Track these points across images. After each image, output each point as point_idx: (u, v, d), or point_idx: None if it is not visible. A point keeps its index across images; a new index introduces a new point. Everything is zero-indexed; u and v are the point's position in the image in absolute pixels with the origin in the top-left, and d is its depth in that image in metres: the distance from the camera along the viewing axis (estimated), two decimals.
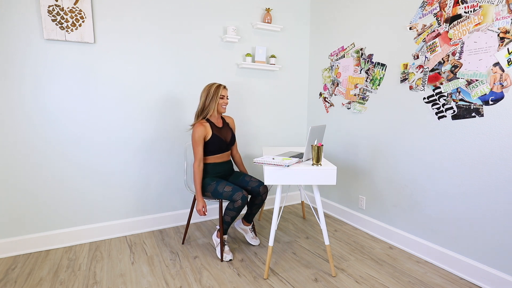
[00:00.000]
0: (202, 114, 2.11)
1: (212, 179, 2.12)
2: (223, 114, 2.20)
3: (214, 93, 2.06)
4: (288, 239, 2.39)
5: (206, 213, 1.91)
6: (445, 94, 1.91)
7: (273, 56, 2.87)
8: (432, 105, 1.99)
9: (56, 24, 2.04)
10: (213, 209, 2.84)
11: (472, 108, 1.78)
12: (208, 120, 2.11)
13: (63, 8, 2.04)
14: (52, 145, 2.15)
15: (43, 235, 2.18)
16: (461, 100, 1.83)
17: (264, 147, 2.79)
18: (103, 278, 1.84)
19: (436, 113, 1.97)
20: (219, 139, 2.11)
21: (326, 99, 2.95)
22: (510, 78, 1.59)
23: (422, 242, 2.10)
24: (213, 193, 2.05)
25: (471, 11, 1.75)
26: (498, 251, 1.70)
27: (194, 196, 2.11)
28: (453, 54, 1.85)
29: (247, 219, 2.29)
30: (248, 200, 2.24)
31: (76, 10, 2.09)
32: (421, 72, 2.04)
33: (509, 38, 1.59)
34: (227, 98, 2.13)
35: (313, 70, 3.13)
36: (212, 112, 2.09)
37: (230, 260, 2.06)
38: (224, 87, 2.10)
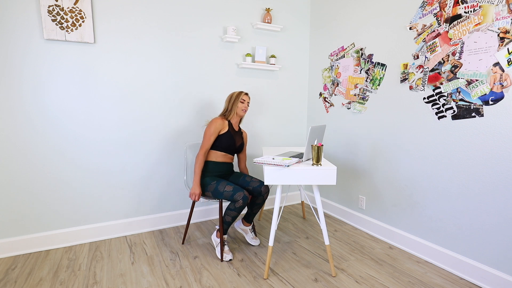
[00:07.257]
0: (223, 115, 2.25)
1: (212, 178, 2.12)
2: (240, 125, 2.38)
3: (236, 97, 2.22)
4: (288, 239, 2.39)
5: (198, 200, 2.04)
6: (445, 94, 1.91)
7: (273, 56, 2.87)
8: (432, 105, 1.99)
9: (56, 24, 2.04)
10: (213, 209, 2.84)
11: (472, 108, 1.78)
12: (228, 121, 2.24)
13: (63, 8, 2.04)
14: (52, 144, 2.15)
15: (43, 235, 2.18)
16: (461, 100, 1.83)
17: (264, 147, 2.79)
18: (103, 278, 1.84)
19: (436, 113, 1.97)
20: (232, 139, 2.20)
21: (326, 99, 2.95)
22: (510, 78, 1.59)
23: (422, 242, 2.10)
24: (214, 193, 2.05)
25: (471, 11, 1.75)
26: (498, 251, 1.70)
27: None
28: (453, 54, 1.85)
29: (247, 219, 2.29)
30: (249, 200, 2.25)
31: (76, 10, 2.09)
32: (421, 72, 2.04)
33: (509, 38, 1.59)
34: (248, 105, 2.26)
35: (313, 70, 3.13)
36: (232, 114, 2.22)
37: (230, 260, 2.06)
38: (246, 94, 2.25)
